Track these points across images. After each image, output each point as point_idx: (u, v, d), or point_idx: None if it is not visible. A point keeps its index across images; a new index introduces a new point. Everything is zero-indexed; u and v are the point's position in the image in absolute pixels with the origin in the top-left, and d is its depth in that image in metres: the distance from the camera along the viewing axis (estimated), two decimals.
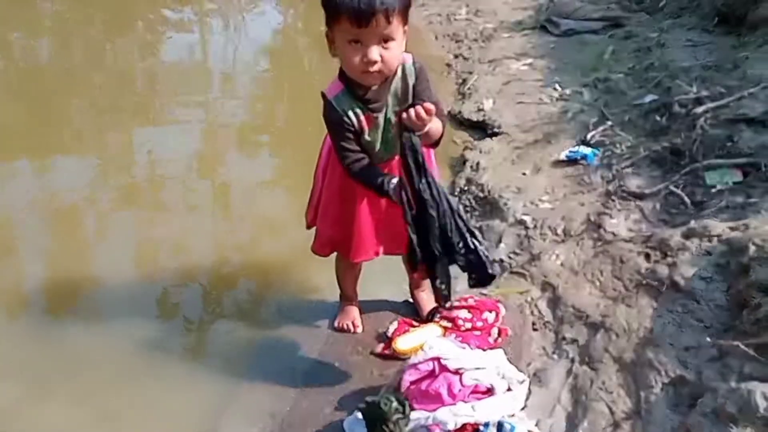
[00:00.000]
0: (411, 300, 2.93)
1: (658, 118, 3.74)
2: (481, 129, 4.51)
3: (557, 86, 4.71)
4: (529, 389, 2.43)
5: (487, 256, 2.21)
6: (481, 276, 2.23)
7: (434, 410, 2.20)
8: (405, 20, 2.11)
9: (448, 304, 2.50)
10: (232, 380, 2.67)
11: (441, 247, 2.15)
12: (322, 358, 2.66)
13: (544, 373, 2.55)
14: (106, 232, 3.73)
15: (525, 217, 3.36)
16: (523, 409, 2.34)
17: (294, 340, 2.82)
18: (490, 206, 3.58)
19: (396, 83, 2.26)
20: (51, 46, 6.59)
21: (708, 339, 2.38)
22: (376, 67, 2.11)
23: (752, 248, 2.48)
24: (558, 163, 3.75)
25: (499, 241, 3.31)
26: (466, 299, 2.76)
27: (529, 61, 5.30)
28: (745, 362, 2.20)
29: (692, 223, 2.83)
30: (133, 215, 3.84)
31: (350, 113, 2.23)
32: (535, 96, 4.66)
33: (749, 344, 2.23)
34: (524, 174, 3.76)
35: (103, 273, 3.31)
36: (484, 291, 2.96)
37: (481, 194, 3.68)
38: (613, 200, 3.26)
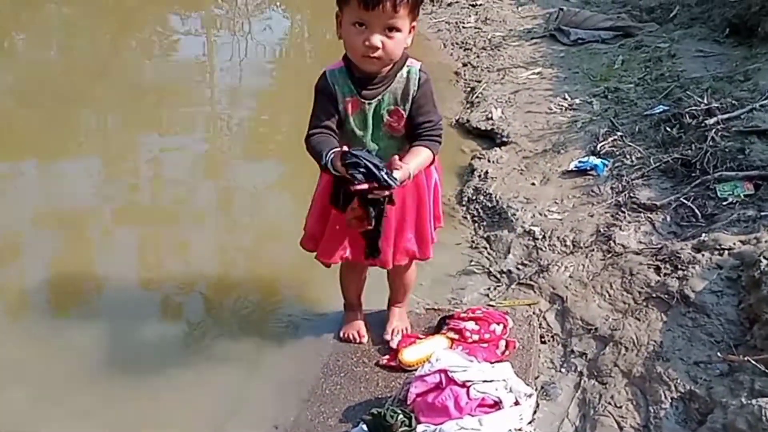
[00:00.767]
0: (417, 311, 2.91)
1: (668, 129, 3.71)
2: (490, 138, 4.49)
3: (566, 96, 4.68)
4: (537, 403, 2.41)
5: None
6: None
7: (441, 423, 2.18)
8: (414, 14, 2.13)
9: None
10: (235, 390, 2.65)
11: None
12: (327, 369, 2.63)
13: (552, 386, 2.52)
14: (112, 237, 3.72)
15: (534, 228, 3.34)
16: (530, 423, 2.32)
17: (298, 350, 2.80)
18: (498, 216, 3.56)
19: (398, 83, 2.26)
20: (57, 52, 6.60)
21: (718, 354, 2.36)
22: (376, 54, 2.13)
23: (764, 262, 2.45)
24: (567, 174, 3.72)
25: (508, 251, 3.29)
26: (473, 311, 2.74)
27: (538, 70, 5.28)
28: (756, 378, 2.17)
29: (703, 236, 2.81)
30: (138, 222, 3.82)
31: (336, 88, 2.25)
32: (544, 105, 4.64)
33: (760, 360, 2.21)
34: (533, 184, 3.74)
35: (108, 279, 3.30)
36: (492, 303, 2.94)
37: (489, 204, 3.66)
38: (623, 212, 3.23)
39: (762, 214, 2.89)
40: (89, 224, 3.81)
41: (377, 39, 2.11)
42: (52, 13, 7.55)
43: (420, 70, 2.27)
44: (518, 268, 3.19)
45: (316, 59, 6.72)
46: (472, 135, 4.59)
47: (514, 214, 3.49)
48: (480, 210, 3.67)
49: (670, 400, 2.29)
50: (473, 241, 3.48)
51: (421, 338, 2.69)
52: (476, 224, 3.60)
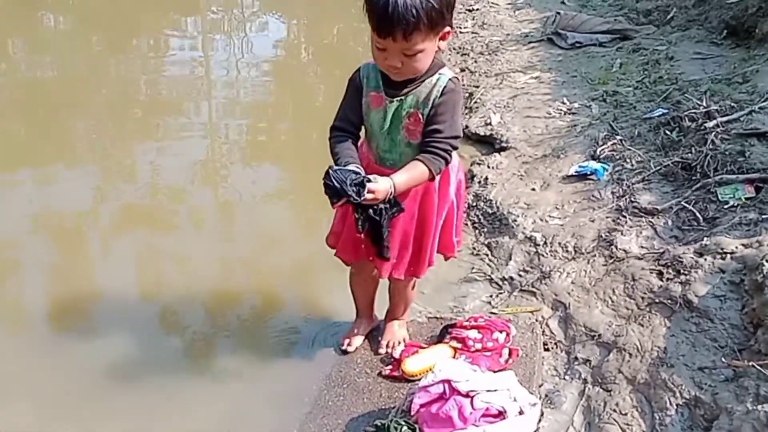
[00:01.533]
0: (419, 320, 2.90)
1: (668, 132, 3.70)
2: (489, 144, 4.49)
3: (565, 100, 4.68)
4: (542, 411, 2.39)
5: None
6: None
7: None
8: (437, 30, 2.10)
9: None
10: (237, 402, 2.64)
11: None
12: (330, 380, 2.62)
13: (556, 394, 2.51)
14: (110, 248, 3.71)
15: (535, 234, 3.33)
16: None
17: (300, 361, 2.79)
18: (499, 222, 3.54)
19: (425, 87, 2.23)
20: (54, 61, 6.60)
21: (723, 359, 2.34)
22: (396, 72, 2.17)
23: (766, 266, 2.45)
24: (567, 179, 3.71)
25: (509, 258, 3.28)
26: (476, 319, 2.73)
27: (536, 74, 5.28)
28: (761, 383, 2.16)
29: (705, 240, 2.80)
30: (136, 232, 3.82)
31: (365, 80, 2.28)
32: (542, 110, 4.64)
33: (765, 365, 2.20)
34: (533, 189, 3.73)
35: (107, 291, 3.29)
36: (494, 310, 2.93)
37: (489, 210, 3.65)
38: (624, 216, 3.22)
39: (763, 217, 2.87)
40: (87, 235, 3.81)
41: (395, 61, 2.12)
42: (48, 23, 7.56)
43: (450, 79, 2.23)
44: (520, 275, 3.18)
45: (313, 66, 6.73)
46: (471, 141, 4.59)
47: (515, 220, 3.48)
48: (480, 216, 3.66)
49: (675, 407, 2.28)
50: (474, 248, 3.46)
51: (423, 348, 2.68)
52: (477, 231, 3.59)
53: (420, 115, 2.24)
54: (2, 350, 2.90)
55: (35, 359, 2.87)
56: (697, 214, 3.05)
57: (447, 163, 2.26)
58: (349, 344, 2.77)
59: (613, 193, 3.45)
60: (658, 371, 2.40)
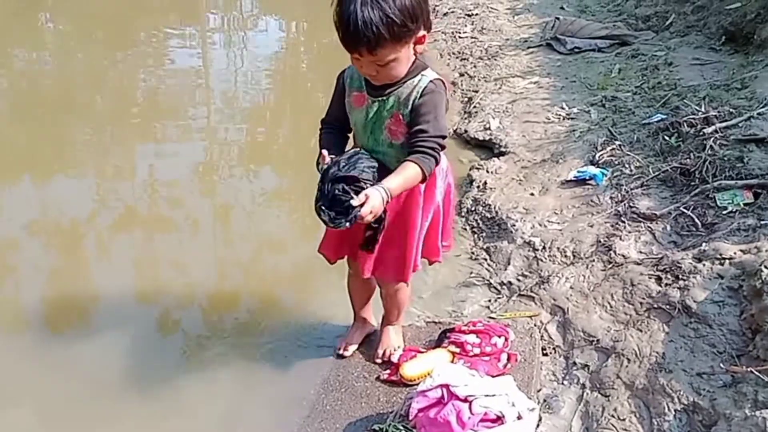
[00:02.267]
0: (417, 324, 2.90)
1: (666, 137, 3.71)
2: (488, 148, 4.50)
3: (564, 105, 4.68)
4: (540, 416, 2.39)
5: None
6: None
7: None
8: (405, 42, 2.10)
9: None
10: (235, 407, 2.64)
11: None
12: (328, 384, 2.62)
13: (554, 399, 2.51)
14: (110, 251, 3.71)
15: (533, 239, 3.33)
16: None
17: (298, 365, 2.79)
18: (497, 227, 3.54)
19: (406, 88, 2.22)
20: (53, 65, 6.60)
21: (721, 365, 2.34)
22: (373, 78, 2.20)
23: (765, 271, 2.45)
24: (566, 184, 3.72)
25: (508, 263, 3.28)
26: (474, 324, 2.72)
27: (535, 79, 5.28)
28: (760, 389, 2.17)
29: (704, 246, 2.80)
30: (135, 235, 3.83)
31: (348, 80, 2.32)
32: (541, 115, 4.64)
33: (763, 371, 2.20)
34: (532, 194, 3.73)
35: (106, 293, 3.28)
36: (493, 315, 2.93)
37: (488, 215, 3.65)
38: (622, 222, 3.22)
39: (762, 222, 2.87)
40: (86, 238, 3.80)
41: (369, 69, 2.15)
42: (47, 26, 7.55)
43: (431, 81, 2.22)
44: (519, 280, 3.18)
45: (312, 69, 6.74)
46: (470, 145, 4.60)
47: (514, 225, 3.48)
48: (479, 221, 3.66)
49: (673, 412, 2.28)
50: (473, 253, 3.47)
51: (422, 352, 2.68)
52: (476, 235, 3.59)
53: (401, 116, 2.24)
54: (1, 354, 2.89)
55: (34, 363, 2.86)
56: (696, 220, 3.06)
57: (437, 162, 2.23)
58: (345, 349, 2.77)
59: (611, 198, 3.45)
60: (656, 377, 2.40)
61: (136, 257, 3.62)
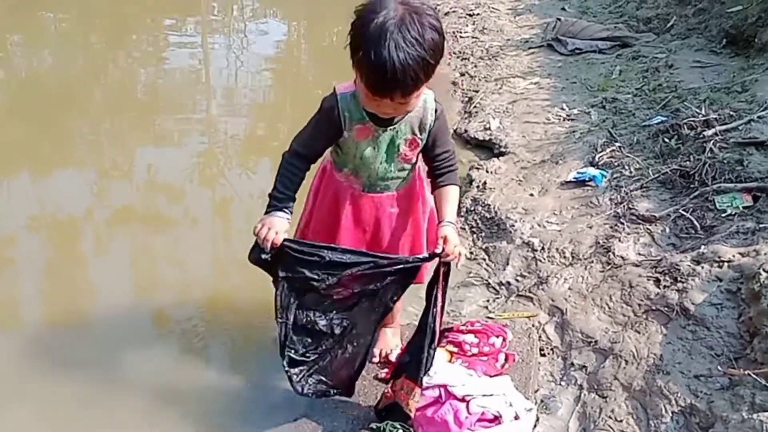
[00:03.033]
0: (415, 323, 2.89)
1: (666, 140, 3.71)
2: (488, 148, 4.50)
3: (564, 106, 4.69)
4: (537, 417, 2.40)
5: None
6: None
7: None
8: (432, 75, 2.01)
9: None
10: (232, 403, 2.64)
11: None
12: None
13: (552, 400, 2.51)
14: (109, 248, 3.71)
15: (532, 239, 3.33)
16: None
17: None
18: (496, 227, 3.55)
19: (415, 112, 2.17)
20: (52, 61, 6.60)
21: (719, 367, 2.35)
22: (387, 115, 2.10)
23: (763, 275, 2.45)
24: (565, 185, 3.72)
25: (506, 263, 3.28)
26: (472, 323, 2.72)
27: (536, 80, 5.29)
28: (757, 392, 2.17)
29: (702, 248, 2.80)
30: (133, 232, 3.82)
31: (346, 114, 2.14)
32: (541, 115, 4.65)
33: (761, 373, 2.20)
34: (531, 195, 3.73)
35: (104, 292, 3.28)
36: (491, 315, 2.93)
37: (487, 215, 3.65)
38: (621, 223, 3.23)
39: (761, 226, 2.88)
40: (85, 235, 3.79)
41: (389, 110, 2.06)
42: (47, 22, 7.54)
43: (435, 100, 2.21)
44: (517, 280, 3.18)
45: (313, 67, 6.74)
46: (470, 145, 4.61)
47: (513, 225, 3.48)
48: (478, 221, 3.66)
49: (670, 414, 2.29)
50: (472, 253, 3.47)
51: None
52: (475, 235, 3.59)
53: (419, 140, 2.23)
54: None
55: (31, 361, 2.85)
56: (695, 222, 3.06)
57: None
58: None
59: (611, 199, 3.46)
60: (654, 378, 2.40)
61: (135, 254, 3.62)
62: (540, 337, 2.81)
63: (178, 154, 4.70)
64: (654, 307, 2.67)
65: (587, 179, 3.66)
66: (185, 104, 5.51)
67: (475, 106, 5.01)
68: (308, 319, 2.26)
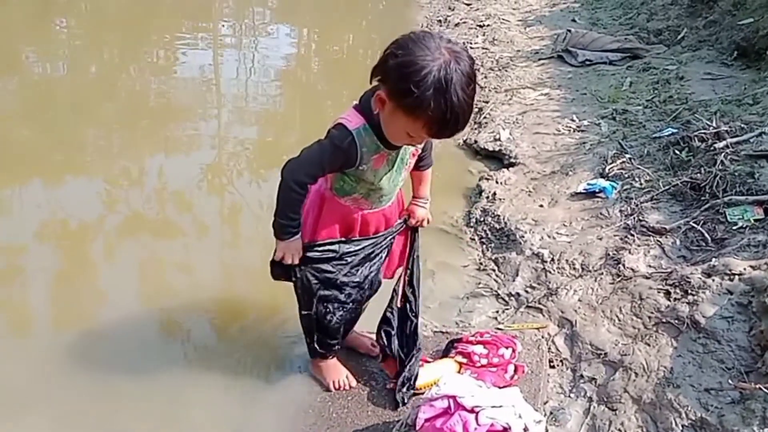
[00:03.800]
0: (425, 333, 2.89)
1: (677, 152, 3.70)
2: (498, 159, 4.50)
3: (574, 117, 4.69)
4: (546, 429, 2.38)
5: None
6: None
7: None
8: None
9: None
10: (241, 413, 2.63)
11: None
12: (334, 392, 2.62)
13: (561, 412, 2.50)
14: (119, 255, 3.70)
15: (542, 251, 3.33)
16: None
17: (305, 372, 2.78)
18: (506, 238, 3.55)
19: None
20: (64, 68, 6.64)
21: (729, 381, 2.33)
22: (406, 144, 2.21)
23: None
24: (575, 196, 3.71)
25: (516, 274, 3.27)
26: (482, 334, 2.72)
27: (546, 91, 5.29)
28: None
29: (713, 261, 2.79)
30: (143, 240, 3.82)
31: (365, 150, 2.14)
32: (552, 126, 4.65)
33: None
34: (541, 206, 3.73)
35: (114, 298, 3.27)
36: (501, 326, 2.93)
37: (497, 226, 3.65)
38: (632, 235, 3.22)
39: None
40: (95, 242, 3.80)
41: (419, 143, 2.21)
42: (60, 30, 7.60)
43: None
44: (527, 291, 3.17)
45: (323, 77, 6.75)
46: (480, 156, 4.61)
47: (523, 236, 3.48)
48: (488, 231, 3.66)
49: (680, 428, 2.27)
50: (481, 263, 3.47)
51: (429, 362, 2.68)
52: (484, 246, 3.59)
53: (419, 148, 2.34)
54: (10, 359, 2.89)
55: (41, 367, 2.85)
56: (706, 235, 3.05)
57: None
58: (350, 380, 2.69)
59: (621, 211, 3.45)
60: (664, 391, 2.39)
61: (145, 261, 3.62)
62: (549, 348, 2.80)
63: (188, 162, 4.71)
64: (664, 320, 2.65)
65: (597, 191, 3.66)
66: (196, 113, 5.53)
67: (485, 117, 5.02)
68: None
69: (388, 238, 2.46)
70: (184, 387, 2.76)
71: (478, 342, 2.68)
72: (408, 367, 2.54)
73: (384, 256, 2.50)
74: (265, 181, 4.55)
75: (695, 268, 2.82)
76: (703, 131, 3.71)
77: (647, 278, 2.91)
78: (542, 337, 2.85)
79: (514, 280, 3.25)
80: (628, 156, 3.89)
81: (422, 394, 2.43)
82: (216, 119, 5.53)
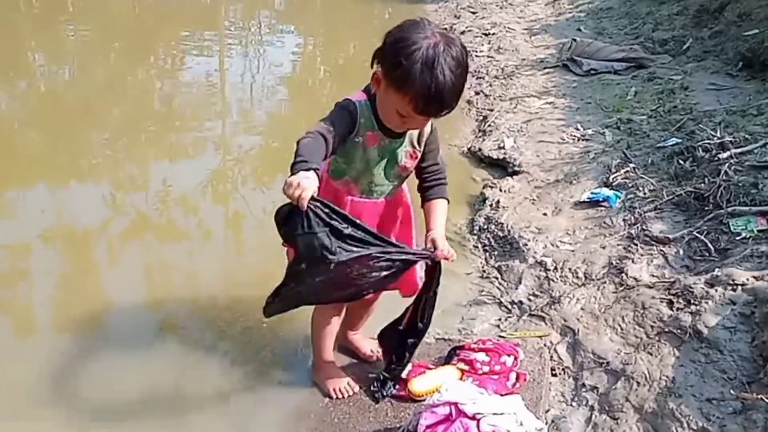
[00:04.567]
0: (427, 340, 2.89)
1: (681, 162, 3.71)
2: (502, 167, 4.51)
3: (579, 126, 4.70)
4: None
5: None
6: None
7: None
8: None
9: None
10: (242, 420, 2.63)
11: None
12: (336, 399, 2.62)
13: (562, 420, 2.50)
14: (124, 259, 3.71)
15: (545, 259, 3.33)
16: None
17: (307, 379, 2.78)
18: (509, 246, 3.55)
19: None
20: (70, 73, 6.68)
21: (731, 391, 2.33)
22: (402, 129, 2.25)
23: None
24: (579, 205, 3.72)
25: (519, 282, 3.27)
26: (484, 342, 2.72)
27: (551, 99, 5.30)
28: None
29: (716, 271, 2.79)
30: (147, 245, 3.84)
31: (362, 120, 2.24)
32: (556, 135, 4.65)
33: None
34: (545, 214, 3.73)
35: (117, 302, 3.28)
36: (503, 334, 2.93)
37: (500, 234, 3.65)
38: (635, 244, 3.22)
39: None
40: (100, 246, 3.81)
41: (413, 126, 2.23)
42: (68, 35, 7.64)
43: None
44: (529, 299, 3.17)
45: (328, 82, 6.78)
46: (484, 164, 4.62)
47: (526, 245, 3.48)
48: (491, 239, 3.66)
49: None
50: (484, 271, 3.47)
51: (430, 368, 2.68)
52: (487, 254, 3.60)
53: (417, 153, 2.36)
54: (15, 359, 2.90)
55: (48, 371, 2.84)
56: (709, 245, 3.05)
57: None
58: (353, 386, 2.68)
59: (624, 220, 3.45)
60: (666, 401, 2.39)
61: (149, 265, 3.64)
62: (552, 356, 2.80)
63: (193, 167, 4.73)
64: (667, 329, 2.65)
65: (601, 200, 3.66)
66: (201, 118, 5.55)
67: (489, 125, 5.03)
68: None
69: (397, 255, 2.22)
70: (185, 391, 2.76)
71: (480, 349, 2.68)
72: (393, 367, 2.56)
73: (382, 276, 2.24)
74: (269, 186, 4.56)
75: (698, 278, 2.82)
76: (707, 141, 3.72)
77: (650, 287, 2.91)
78: (544, 345, 2.85)
79: (516, 288, 3.26)
80: (632, 165, 3.90)
81: (424, 400, 2.43)
82: (221, 125, 5.55)
